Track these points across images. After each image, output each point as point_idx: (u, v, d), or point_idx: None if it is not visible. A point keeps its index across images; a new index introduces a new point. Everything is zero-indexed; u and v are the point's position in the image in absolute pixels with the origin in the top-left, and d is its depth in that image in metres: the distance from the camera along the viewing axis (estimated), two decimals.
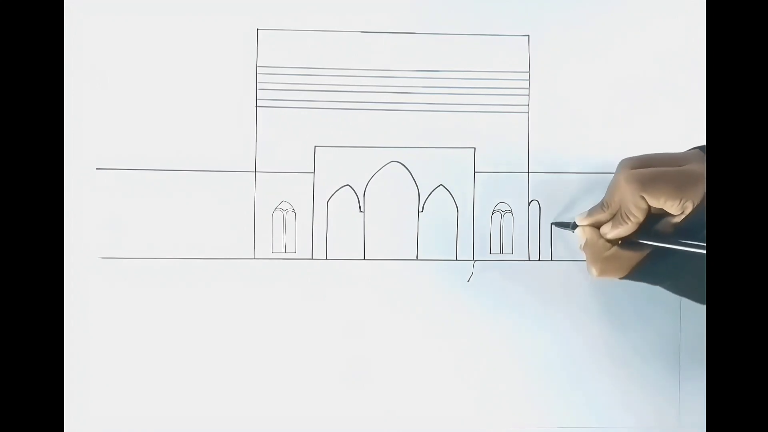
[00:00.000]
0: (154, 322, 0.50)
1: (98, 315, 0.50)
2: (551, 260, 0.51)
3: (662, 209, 0.40)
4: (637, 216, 0.41)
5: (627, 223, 0.41)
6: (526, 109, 0.51)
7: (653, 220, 0.42)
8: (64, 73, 0.49)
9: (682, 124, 0.52)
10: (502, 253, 0.51)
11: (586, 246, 0.44)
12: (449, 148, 0.51)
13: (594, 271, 0.43)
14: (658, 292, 0.52)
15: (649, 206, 0.40)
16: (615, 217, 0.42)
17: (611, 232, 0.42)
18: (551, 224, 0.50)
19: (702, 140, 0.52)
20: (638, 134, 0.52)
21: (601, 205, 0.43)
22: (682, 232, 0.39)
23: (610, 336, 0.51)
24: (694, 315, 0.52)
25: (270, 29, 0.50)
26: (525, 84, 0.51)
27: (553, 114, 0.51)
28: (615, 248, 0.42)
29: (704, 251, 0.38)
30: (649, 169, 0.40)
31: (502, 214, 0.51)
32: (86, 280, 0.50)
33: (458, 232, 0.51)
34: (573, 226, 0.46)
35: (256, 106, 0.50)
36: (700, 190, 0.39)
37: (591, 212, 0.44)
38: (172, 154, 0.50)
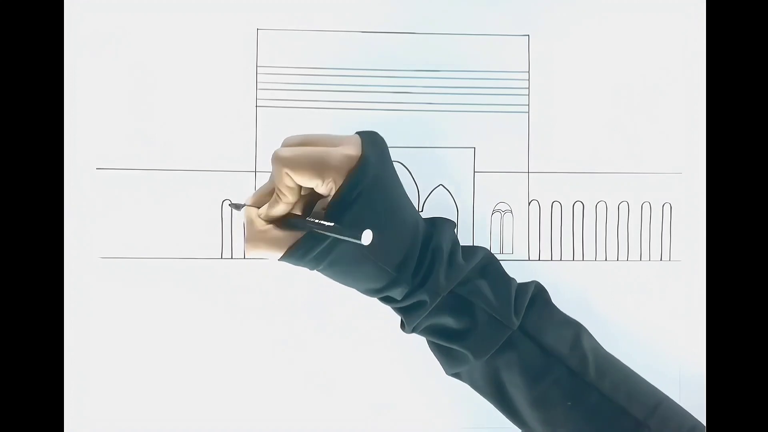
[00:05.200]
0: (154, 322, 0.50)
1: (98, 315, 0.50)
2: (551, 260, 0.51)
3: (318, 190, 0.39)
4: (287, 195, 0.39)
5: (280, 202, 0.40)
6: (526, 109, 0.51)
7: (317, 201, 0.40)
8: (64, 73, 0.49)
9: (682, 124, 0.52)
10: (502, 253, 0.51)
11: (246, 223, 0.41)
12: (449, 148, 0.51)
13: (245, 248, 0.40)
14: (658, 292, 0.52)
15: (300, 186, 0.39)
16: (273, 196, 0.40)
17: (267, 210, 0.40)
18: (229, 204, 0.48)
19: (702, 139, 0.52)
20: (638, 134, 0.52)
21: (268, 183, 0.41)
22: (331, 213, 0.37)
23: (610, 336, 0.51)
24: (695, 315, 0.52)
25: (270, 29, 0.50)
26: (525, 84, 0.51)
27: (553, 114, 0.51)
28: (269, 227, 0.40)
29: (332, 233, 0.36)
30: (295, 147, 0.39)
31: (502, 214, 0.51)
32: (86, 280, 0.50)
33: (458, 232, 0.51)
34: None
35: (256, 106, 0.50)
36: (343, 171, 0.38)
37: (257, 191, 0.42)
38: (172, 154, 0.50)
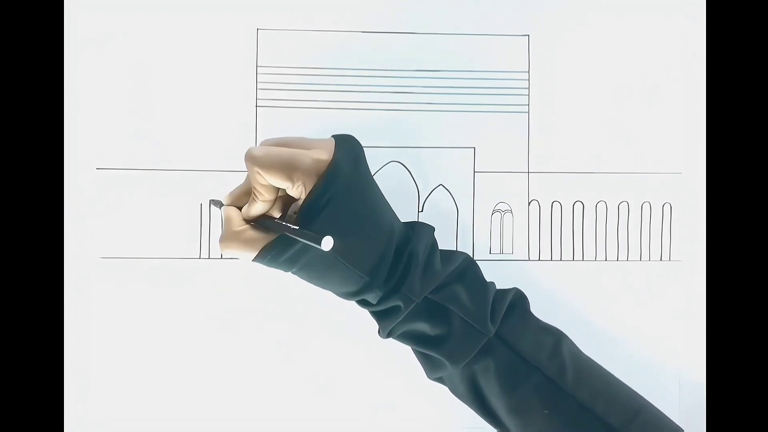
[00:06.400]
0: (155, 322, 0.50)
1: (98, 315, 0.50)
2: (551, 260, 0.51)
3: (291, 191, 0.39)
4: (263, 194, 0.39)
5: (257, 201, 0.40)
6: (526, 109, 0.51)
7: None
8: (64, 73, 0.49)
9: (682, 124, 0.52)
10: (502, 253, 0.51)
11: (224, 222, 0.41)
12: (449, 148, 0.51)
13: (220, 246, 0.40)
14: (659, 292, 0.52)
15: (277, 187, 0.39)
16: (251, 196, 0.40)
17: (246, 210, 0.40)
18: (209, 201, 0.48)
19: (702, 139, 0.52)
20: (638, 134, 0.52)
21: (244, 183, 0.42)
22: (301, 218, 0.37)
23: (609, 336, 0.51)
24: (695, 315, 0.52)
25: (270, 29, 0.50)
26: (525, 84, 0.51)
27: (553, 114, 0.51)
28: (246, 227, 0.40)
29: (296, 236, 0.36)
30: (267, 147, 0.39)
31: (502, 214, 0.51)
32: (86, 280, 0.50)
33: (458, 231, 0.51)
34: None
35: (256, 106, 0.50)
36: (313, 175, 0.37)
37: (235, 189, 0.42)
38: (172, 154, 0.50)
